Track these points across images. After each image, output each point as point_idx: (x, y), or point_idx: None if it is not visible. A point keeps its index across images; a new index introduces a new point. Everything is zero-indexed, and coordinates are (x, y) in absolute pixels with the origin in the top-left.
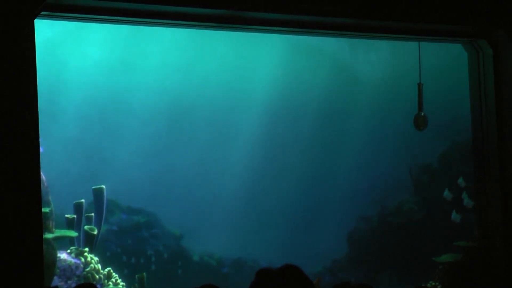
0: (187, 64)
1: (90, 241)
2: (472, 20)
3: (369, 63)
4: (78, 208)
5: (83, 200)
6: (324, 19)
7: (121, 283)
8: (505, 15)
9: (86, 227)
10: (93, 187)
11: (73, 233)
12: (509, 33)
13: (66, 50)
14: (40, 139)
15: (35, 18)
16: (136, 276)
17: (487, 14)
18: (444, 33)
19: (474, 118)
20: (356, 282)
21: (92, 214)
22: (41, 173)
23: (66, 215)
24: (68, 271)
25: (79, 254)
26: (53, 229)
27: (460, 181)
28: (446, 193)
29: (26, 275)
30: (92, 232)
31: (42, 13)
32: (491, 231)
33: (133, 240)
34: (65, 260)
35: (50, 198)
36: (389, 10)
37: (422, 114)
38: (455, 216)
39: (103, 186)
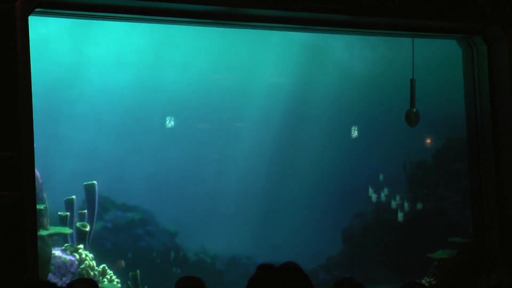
0: (182, 61)
1: (82, 237)
2: (466, 16)
3: (364, 59)
4: (69, 204)
5: (74, 197)
6: (318, 15)
7: (116, 280)
8: (499, 11)
9: (78, 223)
10: (85, 183)
11: (68, 230)
12: (504, 30)
13: (60, 47)
14: (35, 136)
15: (29, 15)
16: (130, 273)
17: (482, 11)
18: (438, 29)
19: (468, 115)
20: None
21: (85, 210)
22: (36, 170)
23: (59, 212)
24: (63, 268)
25: (74, 251)
26: (48, 226)
27: (381, 177)
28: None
29: (21, 272)
30: (84, 229)
31: (36, 10)
32: (486, 227)
33: (127, 237)
34: (59, 257)
35: (44, 195)
36: (384, 6)
37: (414, 110)
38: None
39: (95, 182)
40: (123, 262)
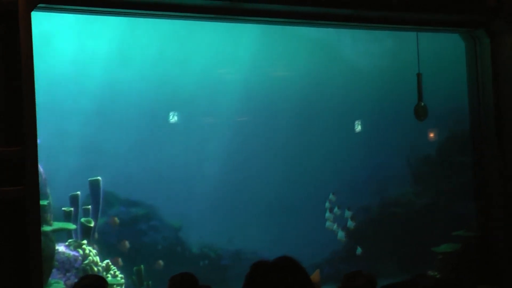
0: (185, 56)
1: (87, 233)
2: (469, 9)
3: (368, 54)
4: (74, 200)
5: (78, 192)
6: (321, 9)
7: (120, 275)
8: (502, 4)
9: (82, 219)
10: (89, 179)
11: (72, 226)
12: (507, 23)
13: (63, 43)
14: (38, 132)
15: (32, 10)
16: (134, 268)
17: (485, 4)
18: (441, 23)
19: (471, 108)
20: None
21: (89, 206)
22: (39, 165)
23: (63, 208)
24: (67, 264)
25: (78, 246)
26: (51, 222)
27: (331, 197)
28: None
29: (25, 268)
30: (89, 225)
31: (39, 5)
32: (490, 221)
33: (131, 232)
34: (63, 253)
35: (48, 190)
36: (387, 0)
37: (423, 104)
38: (340, 235)
39: (99, 178)
40: None
